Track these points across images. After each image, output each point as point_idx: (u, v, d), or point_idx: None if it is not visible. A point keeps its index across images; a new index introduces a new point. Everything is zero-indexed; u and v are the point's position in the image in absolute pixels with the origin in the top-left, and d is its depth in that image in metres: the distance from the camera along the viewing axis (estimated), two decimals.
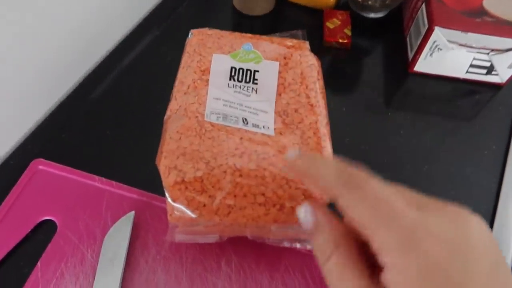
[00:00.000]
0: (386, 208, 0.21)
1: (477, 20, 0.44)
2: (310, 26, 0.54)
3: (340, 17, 0.53)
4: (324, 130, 0.36)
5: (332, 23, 0.52)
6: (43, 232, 0.37)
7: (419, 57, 0.48)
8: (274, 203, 0.31)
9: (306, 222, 0.25)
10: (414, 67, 0.49)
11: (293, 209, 0.31)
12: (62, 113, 0.45)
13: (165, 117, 0.36)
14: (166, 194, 0.31)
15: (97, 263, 0.34)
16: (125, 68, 0.50)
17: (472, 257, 0.20)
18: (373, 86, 0.49)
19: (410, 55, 0.50)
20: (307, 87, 0.38)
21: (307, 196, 0.32)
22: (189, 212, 0.31)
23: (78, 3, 0.44)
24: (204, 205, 0.31)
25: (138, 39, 0.53)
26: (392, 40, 0.54)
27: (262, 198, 0.31)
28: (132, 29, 0.54)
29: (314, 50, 0.51)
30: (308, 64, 0.40)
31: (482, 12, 0.45)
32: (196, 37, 0.41)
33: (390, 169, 0.43)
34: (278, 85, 0.38)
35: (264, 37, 0.42)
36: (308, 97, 0.37)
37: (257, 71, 0.39)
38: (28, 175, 0.39)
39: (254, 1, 0.53)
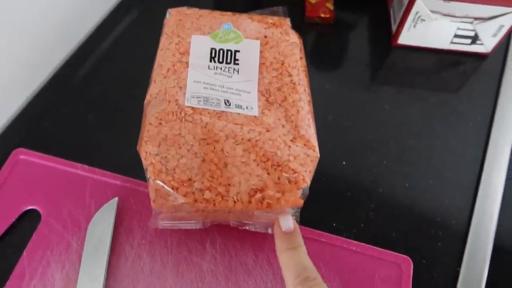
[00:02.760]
0: None
1: None
2: (292, 1, 0.53)
3: None
4: (307, 107, 0.36)
5: None
6: (27, 222, 0.37)
7: (402, 29, 0.47)
8: (258, 190, 0.31)
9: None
10: (398, 39, 0.48)
11: (277, 197, 0.31)
12: (41, 101, 0.45)
13: (145, 101, 0.36)
14: (149, 181, 0.31)
15: (83, 250, 0.34)
16: (103, 52, 0.49)
17: None
18: (357, 62, 0.49)
19: (394, 28, 0.49)
20: (289, 66, 0.37)
21: (293, 182, 0.31)
22: (173, 197, 0.31)
23: None
24: (187, 193, 0.31)
25: (115, 21, 0.51)
26: (375, 12, 0.53)
27: (245, 186, 0.31)
28: (109, 12, 0.53)
29: (296, 26, 0.50)
30: (290, 42, 0.39)
31: None
32: (174, 17, 0.40)
33: (375, 145, 0.43)
34: (259, 65, 0.37)
35: (243, 15, 0.41)
36: (290, 75, 0.37)
37: (238, 51, 0.38)
38: (10, 165, 0.39)
39: None
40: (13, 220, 0.36)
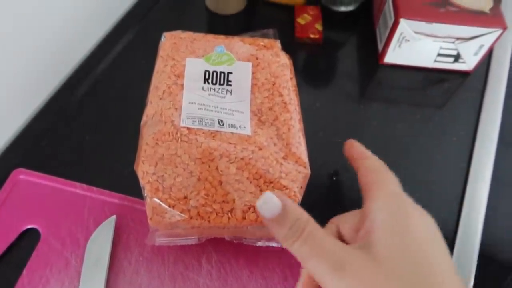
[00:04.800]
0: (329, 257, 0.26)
1: (441, 10, 0.46)
2: (282, 22, 0.55)
3: (311, 13, 0.53)
4: (298, 125, 0.37)
5: (303, 19, 0.53)
6: (27, 241, 0.38)
7: (388, 49, 0.49)
8: (252, 206, 0.32)
9: (268, 208, 0.27)
10: (384, 58, 0.50)
11: None
12: (40, 122, 0.46)
13: (142, 122, 0.37)
14: (146, 199, 0.33)
15: (82, 268, 0.35)
16: (101, 74, 0.50)
17: None
18: (345, 80, 0.51)
19: (380, 47, 0.51)
20: (280, 86, 0.39)
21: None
22: (170, 215, 0.32)
23: (50, 13, 0.44)
24: (183, 210, 0.32)
25: (112, 44, 0.53)
26: (363, 32, 0.55)
27: (240, 203, 0.32)
28: (105, 35, 0.54)
29: (287, 46, 0.52)
30: (280, 63, 0.41)
31: (446, 2, 0.46)
32: (169, 41, 0.42)
33: None
34: (252, 86, 0.39)
35: (236, 38, 0.42)
36: (281, 95, 0.39)
37: (231, 72, 0.39)
38: (10, 185, 0.40)
39: (225, 2, 0.53)
40: (13, 239, 0.37)
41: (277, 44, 0.42)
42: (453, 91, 0.50)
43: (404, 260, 0.25)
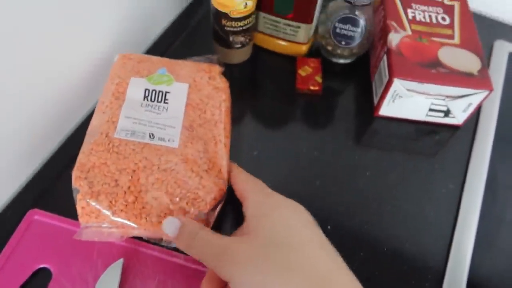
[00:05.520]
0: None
1: (433, 71, 0.49)
2: (285, 72, 0.58)
3: (312, 65, 0.57)
4: (224, 141, 0.42)
5: (304, 71, 0.56)
6: (39, 279, 0.40)
7: (382, 103, 0.52)
8: (167, 213, 0.37)
9: (171, 228, 0.35)
10: (379, 111, 0.54)
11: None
12: (55, 165, 0.48)
13: (86, 132, 0.41)
14: (77, 200, 0.37)
15: None
16: None
17: None
18: (342, 130, 0.54)
19: (375, 100, 0.54)
20: (213, 106, 0.43)
21: (198, 207, 0.37)
22: (95, 215, 0.37)
23: (74, 51, 0.47)
24: (108, 212, 0.37)
25: None
26: (360, 83, 0.59)
27: (158, 209, 0.37)
28: None
29: (288, 94, 0.56)
30: (215, 86, 0.45)
31: (437, 63, 0.50)
32: (120, 61, 0.46)
33: (357, 209, 0.47)
34: (186, 104, 0.43)
35: (179, 61, 0.47)
36: (213, 114, 0.43)
37: (168, 92, 0.43)
38: (24, 225, 0.42)
39: (231, 52, 0.57)
40: (26, 277, 0.40)
41: (217, 68, 0.46)
42: (443, 143, 0.54)
43: (271, 230, 0.33)
